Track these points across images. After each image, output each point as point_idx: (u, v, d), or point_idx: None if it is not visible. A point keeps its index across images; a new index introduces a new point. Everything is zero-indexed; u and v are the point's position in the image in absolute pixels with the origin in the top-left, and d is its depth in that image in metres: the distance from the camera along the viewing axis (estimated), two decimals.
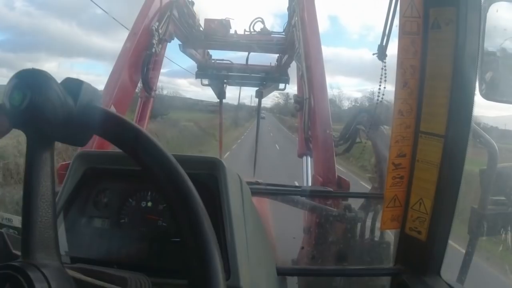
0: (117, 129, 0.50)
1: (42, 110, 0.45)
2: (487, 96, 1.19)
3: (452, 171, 1.06)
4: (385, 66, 1.12)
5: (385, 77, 1.15)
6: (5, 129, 0.54)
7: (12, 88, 0.46)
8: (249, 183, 1.09)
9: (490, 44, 1.13)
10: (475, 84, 1.02)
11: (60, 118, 0.47)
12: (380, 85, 1.17)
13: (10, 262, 0.45)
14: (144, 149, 0.49)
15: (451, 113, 1.02)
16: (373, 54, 1.10)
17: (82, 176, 0.95)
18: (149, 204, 0.91)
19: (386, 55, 1.09)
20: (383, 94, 1.21)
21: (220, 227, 0.83)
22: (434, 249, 1.14)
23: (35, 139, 0.50)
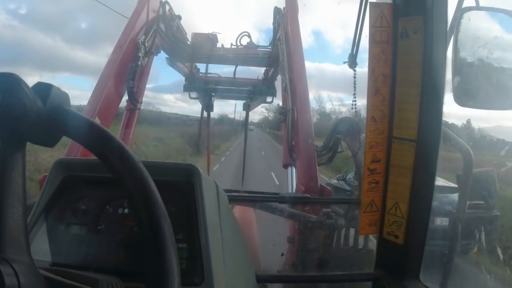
0: (84, 130, 0.52)
1: (13, 110, 0.47)
2: (460, 102, 1.23)
3: (425, 174, 1.09)
4: (355, 75, 1.16)
5: (354, 84, 1.19)
6: None
7: None
8: (227, 191, 1.10)
9: (464, 51, 1.18)
10: (444, 89, 1.06)
11: (30, 119, 0.48)
12: (354, 94, 1.21)
13: None
14: (111, 151, 0.52)
15: (421, 119, 1.05)
16: (344, 62, 1.14)
17: (60, 183, 0.95)
18: (126, 210, 0.92)
19: (356, 64, 1.13)
20: (355, 102, 1.25)
21: (195, 233, 0.83)
22: (412, 252, 1.16)
23: (7, 140, 0.51)
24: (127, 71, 2.62)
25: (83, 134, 0.53)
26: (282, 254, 1.71)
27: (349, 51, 1.14)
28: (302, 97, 2.54)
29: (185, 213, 0.87)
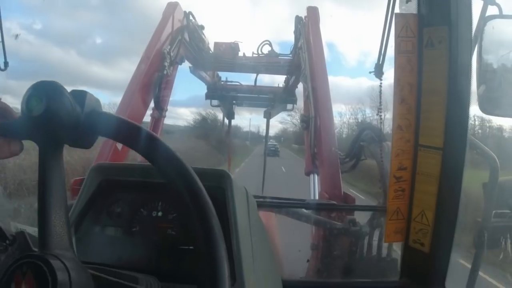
0: (119, 129, 0.56)
1: (58, 115, 0.51)
2: (486, 110, 1.23)
3: (451, 182, 1.09)
4: (381, 84, 1.18)
5: (380, 93, 1.21)
6: (18, 148, 0.60)
7: (30, 97, 0.52)
8: (255, 197, 1.13)
9: (489, 60, 1.18)
10: (470, 98, 1.07)
11: (71, 123, 0.53)
12: (380, 103, 1.22)
13: (30, 253, 0.49)
14: (153, 148, 0.55)
15: (448, 127, 1.06)
16: (370, 72, 1.16)
17: (97, 187, 0.99)
18: (160, 213, 0.95)
19: (382, 73, 1.15)
20: (380, 110, 1.26)
21: (226, 237, 0.86)
22: (438, 260, 1.16)
23: (48, 144, 0.55)
24: (153, 81, 2.70)
25: (119, 132, 0.57)
26: (308, 260, 1.71)
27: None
28: (325, 105, 2.55)
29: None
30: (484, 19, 1.13)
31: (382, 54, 1.12)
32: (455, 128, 1.06)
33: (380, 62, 1.14)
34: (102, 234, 0.94)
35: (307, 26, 3.15)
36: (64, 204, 0.55)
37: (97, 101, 0.58)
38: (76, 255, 0.55)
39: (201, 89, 4.99)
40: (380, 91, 1.20)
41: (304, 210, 1.58)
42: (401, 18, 1.08)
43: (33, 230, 1.34)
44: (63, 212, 0.54)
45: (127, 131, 0.56)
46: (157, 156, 0.55)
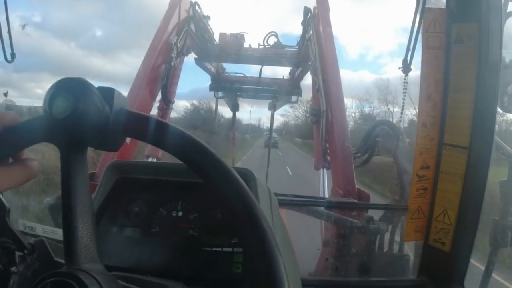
0: (152, 130, 0.51)
1: (86, 117, 0.46)
2: (507, 109, 1.21)
3: (476, 182, 1.07)
4: (406, 80, 1.15)
5: (405, 89, 1.18)
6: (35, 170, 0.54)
7: (55, 97, 0.46)
8: (276, 195, 1.11)
9: (508, 56, 1.15)
10: (497, 97, 1.04)
11: (99, 124, 0.47)
12: (404, 98, 1.20)
13: (58, 270, 0.44)
14: (191, 150, 0.50)
15: (474, 125, 1.04)
16: (399, 68, 1.13)
17: (113, 186, 0.95)
18: (180, 214, 0.92)
19: (410, 69, 1.12)
20: (403, 106, 1.24)
21: None
22: (458, 260, 1.15)
23: (72, 147, 0.50)
24: (160, 72, 2.66)
25: (152, 133, 0.51)
26: (327, 259, 1.71)
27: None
28: (337, 98, 2.52)
29: None
30: (506, 14, 1.10)
31: (411, 50, 1.09)
32: (482, 127, 1.04)
33: (408, 58, 1.10)
34: (120, 235, 0.91)
35: (317, 17, 3.10)
36: (90, 212, 0.50)
37: (125, 98, 0.52)
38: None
39: (203, 81, 4.95)
40: (405, 88, 1.17)
41: (323, 209, 1.56)
42: (430, 12, 1.05)
43: (42, 228, 1.32)
44: (90, 221, 0.50)
45: (160, 132, 0.51)
46: (196, 158, 0.50)
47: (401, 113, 1.25)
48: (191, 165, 0.51)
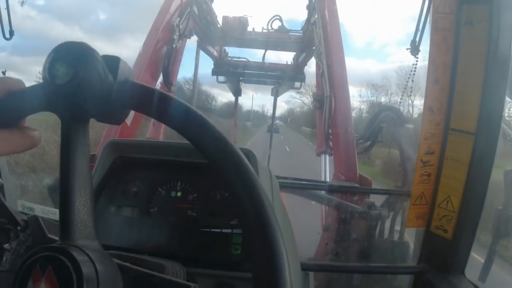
0: (158, 104, 0.48)
1: (88, 84, 0.43)
2: None
3: (481, 169, 1.05)
4: (417, 61, 1.11)
5: (414, 71, 1.15)
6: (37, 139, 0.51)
7: (54, 62, 0.42)
8: (277, 177, 1.09)
9: None
10: (507, 82, 1.01)
11: (102, 93, 0.44)
12: (412, 81, 1.17)
13: (49, 244, 0.42)
14: (193, 125, 0.47)
15: (482, 111, 1.01)
16: (407, 49, 1.10)
17: (111, 165, 0.93)
18: (179, 194, 0.90)
19: (419, 50, 1.09)
20: (411, 89, 1.21)
21: None
22: (460, 248, 1.14)
23: (73, 117, 0.47)
24: (162, 54, 2.62)
25: (157, 107, 0.48)
26: (327, 244, 1.70)
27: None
28: (341, 83, 2.48)
29: None
30: None
31: (420, 31, 1.05)
32: (490, 113, 1.01)
33: (417, 39, 1.07)
34: (118, 214, 0.89)
35: (322, 1, 3.03)
36: (89, 186, 0.48)
37: (130, 70, 0.49)
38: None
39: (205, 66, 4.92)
40: (414, 70, 1.14)
41: (324, 193, 1.55)
42: None
43: (41, 209, 1.31)
44: (88, 196, 0.47)
45: (165, 106, 0.47)
46: (203, 138, 0.47)
47: (404, 97, 1.21)
48: (194, 142, 0.48)
